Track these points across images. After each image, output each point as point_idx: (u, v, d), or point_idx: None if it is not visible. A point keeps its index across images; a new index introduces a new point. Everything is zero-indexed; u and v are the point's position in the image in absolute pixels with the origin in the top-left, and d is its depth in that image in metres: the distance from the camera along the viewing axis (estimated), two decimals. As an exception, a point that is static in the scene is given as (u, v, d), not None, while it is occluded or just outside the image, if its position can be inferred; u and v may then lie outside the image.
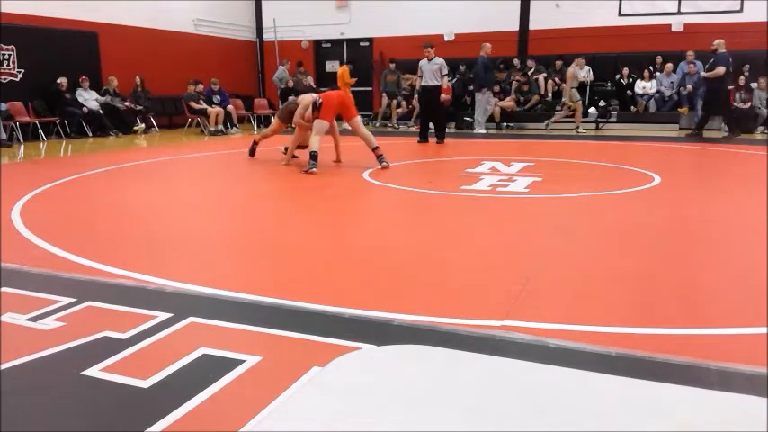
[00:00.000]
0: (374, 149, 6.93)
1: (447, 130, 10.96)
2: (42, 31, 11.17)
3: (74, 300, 2.60)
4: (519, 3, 14.39)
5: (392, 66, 13.90)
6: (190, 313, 2.44)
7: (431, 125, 10.37)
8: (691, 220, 4.35)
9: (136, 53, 13.06)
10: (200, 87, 12.86)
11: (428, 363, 1.99)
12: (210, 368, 1.96)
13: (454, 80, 13.58)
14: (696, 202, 5.09)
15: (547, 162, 7.61)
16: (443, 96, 10.51)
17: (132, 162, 7.83)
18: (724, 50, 10.47)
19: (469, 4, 14.64)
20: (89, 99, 11.63)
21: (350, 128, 7.20)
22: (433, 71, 10.07)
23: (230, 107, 13.12)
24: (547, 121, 12.59)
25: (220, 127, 12.53)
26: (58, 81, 11.15)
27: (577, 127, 12.21)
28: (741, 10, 12.84)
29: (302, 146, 7.37)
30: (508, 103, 13.31)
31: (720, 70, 10.35)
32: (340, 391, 1.79)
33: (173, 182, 6.59)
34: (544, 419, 1.61)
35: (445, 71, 10.16)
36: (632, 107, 12.97)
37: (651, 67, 13.03)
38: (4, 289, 2.76)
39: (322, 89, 14.77)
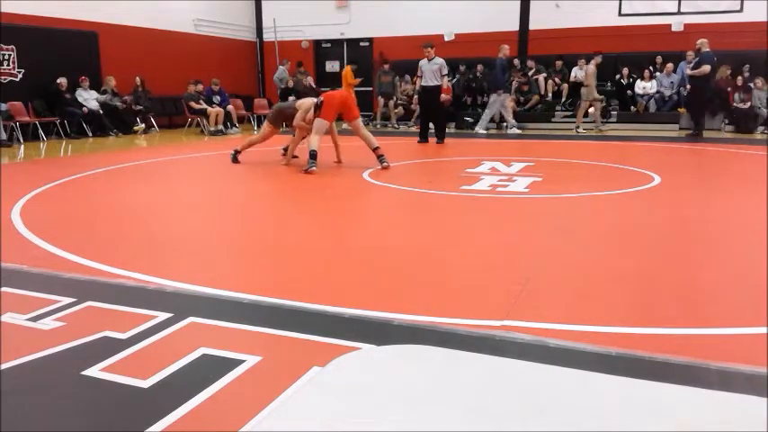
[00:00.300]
0: (375, 150, 6.93)
1: (447, 130, 10.96)
2: (42, 31, 11.17)
3: (74, 300, 2.60)
4: (519, 3, 14.39)
5: (386, 66, 13.90)
6: (190, 313, 2.44)
7: (431, 125, 10.38)
8: (691, 220, 4.35)
9: (136, 53, 13.06)
10: (200, 87, 12.86)
11: (428, 363, 1.99)
12: (210, 368, 1.96)
13: (454, 80, 13.58)
14: (696, 202, 5.09)
15: (547, 162, 7.61)
16: (443, 96, 10.51)
17: (132, 162, 7.83)
18: (708, 49, 10.58)
19: (469, 4, 14.64)
20: (89, 99, 11.63)
21: (350, 128, 7.20)
22: (432, 71, 10.07)
23: (230, 107, 13.12)
24: (575, 126, 12.38)
25: (220, 127, 12.53)
26: (58, 81, 11.15)
27: (599, 126, 12.19)
28: (741, 10, 12.84)
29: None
30: (508, 103, 13.29)
31: (706, 68, 10.47)
32: (340, 391, 1.79)
33: (173, 182, 6.59)
34: (544, 419, 1.61)
35: (445, 71, 10.16)
36: (632, 107, 12.97)
37: (651, 67, 13.04)
38: (4, 289, 2.76)
39: (322, 89, 14.86)
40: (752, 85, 11.85)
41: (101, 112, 11.70)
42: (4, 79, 10.71)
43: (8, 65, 10.79)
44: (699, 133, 10.88)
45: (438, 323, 2.34)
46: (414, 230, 4.14)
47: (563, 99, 13.58)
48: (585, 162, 7.71)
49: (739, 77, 12.00)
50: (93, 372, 1.94)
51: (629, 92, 13.03)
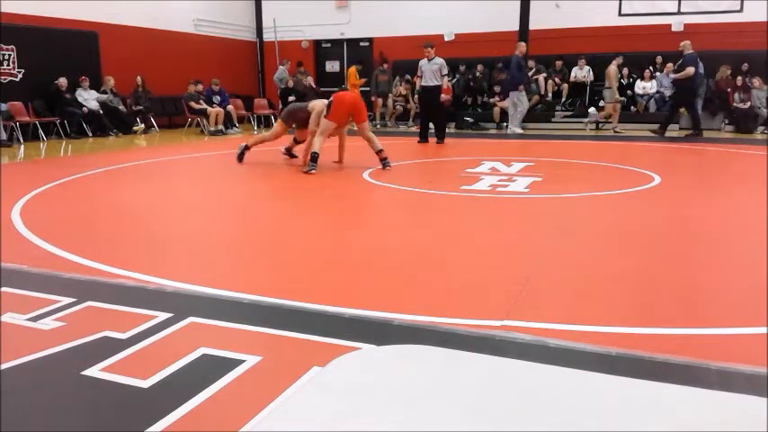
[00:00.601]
0: (378, 152, 6.88)
1: (447, 130, 10.96)
2: (42, 31, 11.17)
3: (74, 300, 2.60)
4: (519, 3, 14.39)
5: (385, 66, 13.90)
6: (190, 313, 2.44)
7: (431, 125, 10.38)
8: (691, 220, 4.35)
9: (136, 53, 13.06)
10: (200, 87, 12.86)
11: (428, 363, 1.99)
12: (210, 368, 1.96)
13: (454, 80, 13.58)
14: (696, 202, 5.09)
15: (547, 162, 7.61)
16: (443, 96, 10.51)
17: (132, 162, 7.83)
18: (691, 51, 10.68)
19: (469, 4, 14.64)
20: (89, 99, 11.63)
21: (356, 130, 7.15)
22: (433, 71, 10.07)
23: (230, 107, 13.12)
24: (612, 127, 12.28)
25: (220, 127, 12.53)
26: (58, 82, 11.15)
27: (614, 128, 12.10)
28: (741, 10, 12.84)
29: (300, 140, 7.35)
30: (508, 103, 13.28)
31: (690, 70, 10.55)
32: (340, 391, 1.79)
33: (173, 182, 6.59)
34: (544, 419, 1.61)
35: (445, 71, 10.16)
36: (632, 107, 12.97)
37: (651, 67, 13.04)
38: (4, 289, 2.76)
39: (323, 89, 14.86)
40: (750, 86, 11.86)
41: (101, 112, 11.70)
42: (4, 79, 10.71)
43: (8, 65, 10.80)
44: (698, 132, 10.90)
45: (438, 323, 2.34)
46: (414, 230, 4.14)
47: (563, 99, 13.58)
48: (585, 162, 7.71)
49: (739, 77, 12.00)
50: (93, 372, 1.94)
51: (629, 92, 13.04)
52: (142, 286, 2.83)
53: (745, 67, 12.21)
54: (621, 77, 13.10)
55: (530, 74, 13.70)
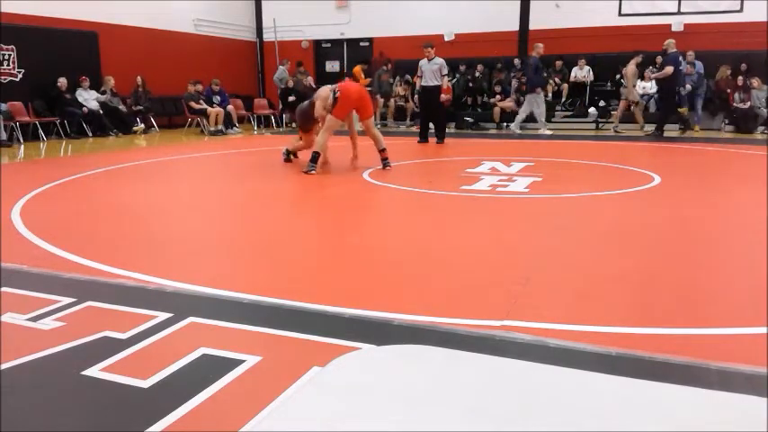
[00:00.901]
0: (381, 151, 6.86)
1: (447, 130, 10.96)
2: (42, 31, 11.18)
3: (74, 300, 2.60)
4: (519, 3, 14.40)
5: (389, 66, 13.89)
6: (190, 313, 2.44)
7: (431, 125, 10.38)
8: (691, 220, 4.35)
9: (136, 53, 13.07)
10: (200, 87, 12.86)
11: (428, 363, 1.99)
12: (210, 368, 1.96)
13: (454, 80, 13.58)
14: (696, 202, 5.09)
15: (547, 162, 7.61)
16: (443, 96, 10.51)
17: (132, 162, 7.83)
18: (674, 50, 10.69)
19: (469, 4, 14.64)
20: (89, 99, 11.63)
21: (361, 127, 7.11)
22: (433, 71, 10.08)
23: (230, 107, 13.12)
24: (613, 126, 12.25)
25: (220, 127, 12.53)
26: (58, 84, 11.15)
27: (643, 126, 12.01)
28: (741, 10, 12.85)
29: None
30: (508, 103, 13.31)
31: (668, 70, 10.58)
32: (340, 391, 1.79)
33: (173, 182, 6.59)
34: (544, 419, 1.61)
35: (445, 71, 10.17)
36: (632, 107, 12.95)
37: (651, 68, 13.03)
38: (4, 289, 2.76)
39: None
40: (748, 86, 11.86)
41: (101, 112, 11.70)
42: (4, 79, 10.72)
43: (8, 65, 10.80)
44: (660, 133, 10.99)
45: (438, 323, 2.34)
46: (414, 230, 4.14)
47: (563, 99, 13.58)
48: (585, 162, 7.71)
49: (740, 77, 12.00)
50: (93, 372, 1.94)
51: None
52: (142, 286, 2.83)
53: (744, 67, 12.21)
54: (622, 77, 13.07)
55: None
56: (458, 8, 14.73)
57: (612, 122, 12.34)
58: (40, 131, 10.85)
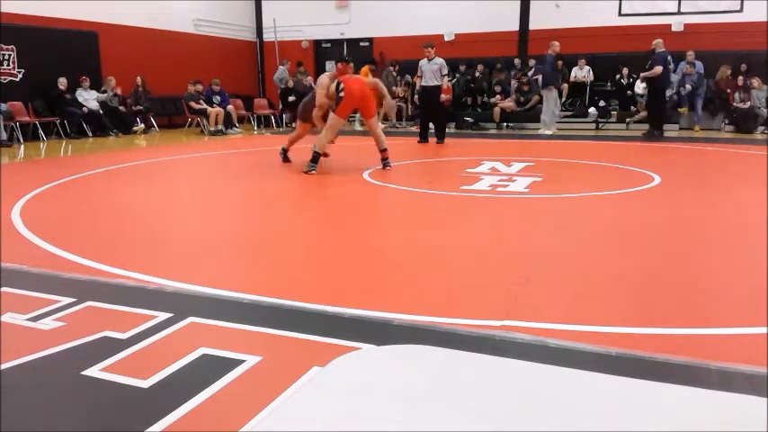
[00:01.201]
0: (382, 151, 6.83)
1: (447, 130, 10.96)
2: (42, 31, 11.18)
3: (74, 300, 2.60)
4: (519, 3, 14.40)
5: (396, 67, 13.90)
6: (190, 313, 2.44)
7: (431, 125, 10.38)
8: (691, 220, 4.35)
9: (136, 53, 13.07)
10: (200, 87, 12.86)
11: (428, 363, 1.99)
12: (210, 368, 1.96)
13: (454, 80, 13.58)
14: (696, 202, 5.09)
15: (547, 162, 7.61)
16: (443, 96, 10.52)
17: (132, 162, 7.83)
18: (662, 49, 10.72)
19: (469, 4, 14.64)
20: (89, 99, 11.63)
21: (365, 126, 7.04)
22: (433, 71, 10.08)
23: (230, 107, 13.12)
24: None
25: (220, 127, 12.53)
26: (59, 86, 11.14)
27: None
28: (741, 10, 12.85)
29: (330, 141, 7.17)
30: (508, 103, 13.31)
31: (657, 69, 10.60)
32: (340, 391, 1.79)
33: (173, 182, 6.59)
34: (544, 419, 1.61)
35: (445, 71, 10.17)
36: (632, 107, 12.96)
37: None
38: (4, 289, 2.76)
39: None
40: (748, 86, 11.86)
41: (101, 112, 11.70)
42: (4, 79, 10.72)
43: (8, 65, 10.80)
44: (660, 133, 10.97)
45: (438, 323, 2.34)
46: (414, 230, 4.14)
47: (563, 99, 13.58)
48: (585, 162, 7.71)
49: (740, 77, 12.00)
50: (93, 372, 1.94)
51: (629, 92, 13.04)
52: (142, 286, 2.83)
53: (744, 67, 12.21)
54: (622, 77, 13.09)
55: (530, 73, 13.70)
56: (458, 8, 14.73)
57: (612, 121, 12.32)
58: (40, 131, 10.85)
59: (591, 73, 13.39)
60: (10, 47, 10.77)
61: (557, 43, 11.64)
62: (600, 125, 12.94)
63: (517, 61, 14.08)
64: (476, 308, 2.54)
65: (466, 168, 6.94)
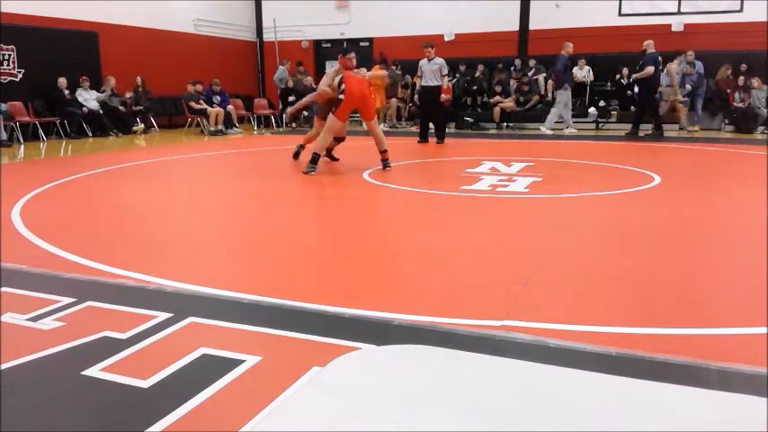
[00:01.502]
0: (382, 152, 6.82)
1: (447, 130, 10.96)
2: (42, 31, 11.17)
3: (74, 300, 2.60)
4: (519, 3, 14.40)
5: (397, 67, 13.91)
6: (190, 313, 2.44)
7: (431, 125, 10.38)
8: (691, 220, 4.35)
9: (136, 53, 13.07)
10: (200, 87, 12.86)
11: (428, 363, 1.99)
12: (210, 368, 1.96)
13: (454, 80, 13.58)
14: (696, 202, 5.09)
15: (547, 162, 7.61)
16: (443, 96, 10.52)
17: (132, 162, 7.83)
18: (653, 50, 10.78)
19: (469, 4, 14.65)
20: (89, 99, 11.63)
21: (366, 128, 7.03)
22: (433, 71, 10.08)
23: (230, 107, 13.11)
24: (685, 127, 12.12)
25: (220, 127, 12.53)
26: (59, 86, 11.14)
27: (684, 127, 11.93)
28: (741, 10, 12.85)
29: (338, 138, 7.18)
30: (508, 103, 13.31)
31: (649, 70, 10.66)
32: (340, 391, 1.79)
33: (173, 182, 6.59)
34: (544, 419, 1.61)
35: (445, 71, 10.17)
36: (632, 107, 12.95)
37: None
38: (4, 289, 2.76)
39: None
40: (748, 86, 11.86)
41: (101, 112, 11.70)
42: (4, 79, 10.72)
43: (8, 65, 10.80)
44: (659, 133, 11.02)
45: (438, 323, 2.34)
46: (414, 230, 4.14)
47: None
48: (585, 162, 7.71)
49: (741, 77, 12.00)
50: (93, 372, 1.94)
51: (629, 92, 13.02)
52: (142, 286, 2.83)
53: (744, 67, 12.21)
54: (622, 77, 13.07)
55: (530, 73, 13.70)
56: (458, 8, 14.73)
57: (612, 121, 12.32)
58: (40, 131, 10.85)
59: (591, 73, 13.38)
60: (10, 47, 10.77)
61: (570, 44, 11.64)
62: (600, 125, 12.93)
63: (518, 62, 14.08)
64: (476, 308, 2.54)
65: (466, 168, 6.94)
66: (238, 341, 2.20)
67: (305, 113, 14.46)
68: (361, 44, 16.20)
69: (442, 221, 4.42)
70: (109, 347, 2.12)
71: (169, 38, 14.12)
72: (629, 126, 11.73)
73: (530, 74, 13.71)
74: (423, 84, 10.28)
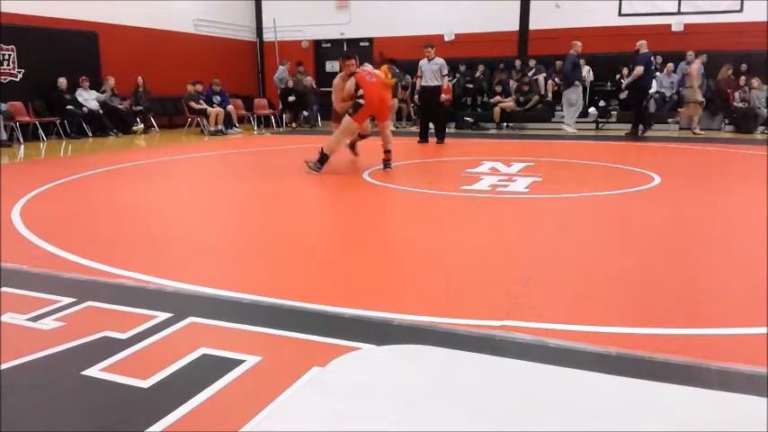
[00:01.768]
0: (386, 152, 6.80)
1: (447, 130, 10.96)
2: (42, 31, 11.17)
3: (74, 300, 2.60)
4: (519, 3, 14.40)
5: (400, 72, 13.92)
6: (190, 313, 2.44)
7: (431, 125, 10.38)
8: (691, 220, 4.35)
9: (136, 53, 13.06)
10: (200, 87, 12.85)
11: (428, 363, 1.99)
12: (210, 368, 1.96)
13: (454, 80, 13.58)
14: (696, 202, 5.09)
15: (547, 162, 7.61)
16: (443, 96, 10.52)
17: (132, 162, 7.83)
18: (646, 50, 10.82)
19: (469, 4, 14.64)
20: (89, 99, 11.63)
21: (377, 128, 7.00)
22: (433, 71, 10.08)
23: (230, 107, 13.11)
24: (674, 121, 12.10)
25: (220, 127, 12.53)
26: (59, 86, 11.13)
27: (695, 128, 11.82)
28: (741, 10, 12.85)
29: (362, 134, 7.13)
30: (508, 103, 13.31)
31: (639, 70, 10.73)
32: (340, 391, 1.79)
33: (173, 182, 6.59)
34: (544, 419, 1.61)
35: (445, 71, 10.17)
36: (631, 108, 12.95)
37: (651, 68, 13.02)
38: (4, 289, 2.76)
39: (322, 90, 14.83)
40: (747, 86, 11.85)
41: (101, 112, 11.70)
42: (4, 79, 10.71)
43: (8, 65, 10.79)
44: (643, 131, 11.08)
45: (438, 323, 2.34)
46: (414, 230, 4.14)
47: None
48: (585, 162, 7.71)
49: (742, 77, 12.00)
50: (93, 372, 1.94)
51: (621, 95, 13.00)
52: (142, 286, 2.83)
53: (744, 67, 12.20)
54: (622, 77, 13.04)
55: (530, 73, 13.70)
56: (458, 8, 14.73)
57: (612, 121, 12.32)
58: (40, 131, 10.85)
59: (591, 73, 13.37)
60: (10, 47, 10.77)
61: (579, 43, 11.65)
62: (600, 125, 12.93)
63: (518, 62, 14.08)
64: (476, 308, 2.54)
65: (466, 168, 6.94)
66: (238, 341, 2.20)
67: (305, 113, 14.47)
68: (361, 44, 16.20)
69: (442, 221, 4.42)
70: (109, 347, 2.12)
71: (169, 38, 14.12)
72: (628, 126, 11.74)
73: (530, 74, 13.71)
74: (423, 84, 10.28)
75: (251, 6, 16.94)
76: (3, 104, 10.19)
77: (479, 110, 13.78)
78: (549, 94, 13.65)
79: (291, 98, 14.23)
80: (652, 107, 12.82)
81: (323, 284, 2.94)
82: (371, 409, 1.67)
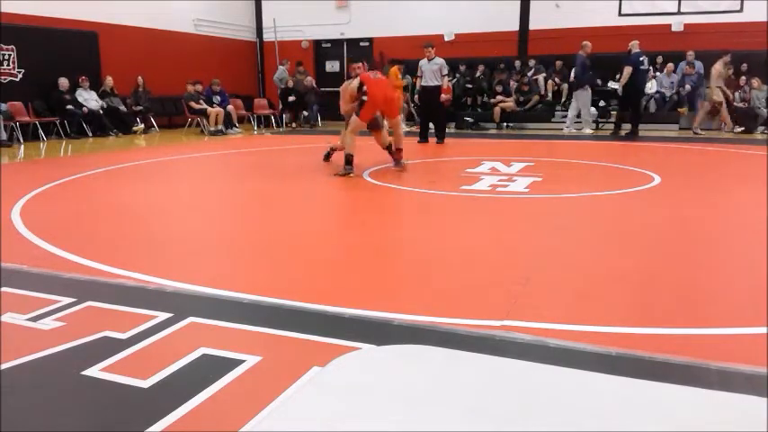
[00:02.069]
0: (397, 150, 6.78)
1: (447, 130, 10.96)
2: (42, 31, 11.17)
3: (74, 300, 2.60)
4: (519, 3, 14.39)
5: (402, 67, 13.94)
6: (190, 313, 2.44)
7: (431, 125, 10.38)
8: (691, 220, 4.35)
9: (136, 53, 13.06)
10: (199, 87, 12.85)
11: (428, 363, 1.99)
12: (210, 368, 1.96)
13: (454, 80, 13.58)
14: (696, 202, 5.09)
15: (547, 162, 7.61)
16: (443, 96, 10.52)
17: (132, 162, 7.83)
18: (637, 50, 10.89)
19: (469, 4, 14.64)
20: (89, 99, 11.63)
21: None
22: (433, 71, 10.08)
23: (230, 107, 13.11)
24: (695, 127, 11.89)
25: (220, 127, 12.53)
26: (60, 86, 11.13)
27: (726, 126, 11.75)
28: (741, 10, 12.84)
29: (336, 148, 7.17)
30: (508, 103, 13.31)
31: (627, 70, 10.82)
32: (340, 391, 1.79)
33: (173, 182, 6.59)
34: (544, 419, 1.61)
35: (445, 71, 10.17)
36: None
37: (651, 68, 13.02)
38: (4, 289, 2.76)
39: (322, 90, 14.83)
40: (747, 86, 11.84)
41: (101, 112, 11.70)
42: (4, 79, 10.71)
43: (8, 65, 10.79)
44: (630, 131, 11.14)
45: (438, 323, 2.34)
46: (414, 230, 4.15)
47: (563, 99, 13.57)
48: (585, 162, 7.71)
49: (743, 77, 11.99)
50: (94, 372, 1.94)
51: (614, 99, 12.99)
52: (142, 286, 2.83)
53: (744, 67, 12.20)
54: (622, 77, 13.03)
55: (530, 73, 13.70)
56: (458, 8, 14.73)
57: (612, 121, 12.31)
58: (40, 131, 10.85)
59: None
60: (10, 47, 10.76)
61: (588, 43, 11.63)
62: (600, 125, 12.93)
63: (518, 63, 14.08)
64: (476, 308, 2.54)
65: (466, 168, 6.94)
66: (238, 341, 2.20)
67: (305, 113, 14.47)
68: (361, 44, 16.20)
69: (442, 221, 4.42)
70: (109, 347, 2.12)
71: (169, 38, 14.12)
72: (628, 126, 11.76)
73: (529, 74, 13.70)
74: (423, 84, 10.29)
75: (251, 6, 16.94)
76: (3, 104, 10.19)
77: (479, 110, 13.77)
78: (549, 95, 13.64)
79: (291, 98, 14.23)
80: (652, 107, 12.83)
81: (323, 284, 2.94)
82: (371, 409, 1.67)
